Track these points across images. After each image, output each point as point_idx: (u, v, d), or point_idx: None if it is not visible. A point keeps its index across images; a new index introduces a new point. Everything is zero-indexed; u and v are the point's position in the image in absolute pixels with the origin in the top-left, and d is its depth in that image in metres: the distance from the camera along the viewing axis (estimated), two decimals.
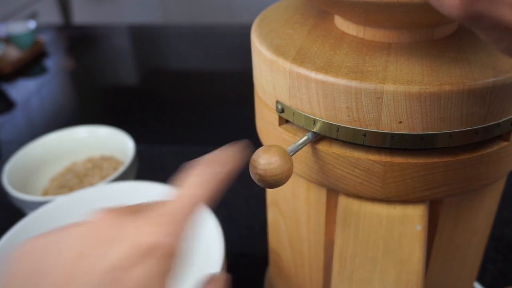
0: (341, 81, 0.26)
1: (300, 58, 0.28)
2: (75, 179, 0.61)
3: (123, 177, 0.55)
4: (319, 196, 0.32)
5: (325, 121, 0.28)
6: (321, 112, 0.28)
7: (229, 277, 0.24)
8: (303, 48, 0.29)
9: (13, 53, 1.10)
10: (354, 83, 0.26)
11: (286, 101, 0.30)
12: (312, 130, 0.29)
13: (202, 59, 1.14)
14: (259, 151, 0.26)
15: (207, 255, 0.42)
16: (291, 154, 0.27)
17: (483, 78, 0.25)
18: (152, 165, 0.72)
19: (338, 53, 0.29)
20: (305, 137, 0.29)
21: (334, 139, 0.29)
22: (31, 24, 1.12)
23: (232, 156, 0.24)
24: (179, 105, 0.92)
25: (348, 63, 0.27)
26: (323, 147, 0.29)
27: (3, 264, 0.20)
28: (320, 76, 0.26)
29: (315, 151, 0.30)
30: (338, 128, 0.28)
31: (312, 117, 0.28)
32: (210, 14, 2.06)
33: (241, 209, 0.62)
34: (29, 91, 0.99)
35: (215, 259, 0.39)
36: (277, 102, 0.30)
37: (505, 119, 0.27)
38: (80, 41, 1.26)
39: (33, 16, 1.24)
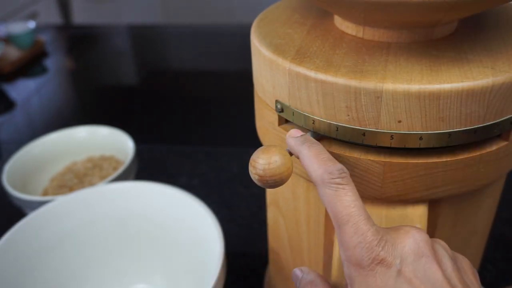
0: (340, 81, 0.26)
1: (299, 58, 0.28)
2: (75, 179, 0.61)
3: (123, 177, 0.55)
4: (319, 196, 0.32)
5: (325, 120, 0.28)
6: (320, 112, 0.28)
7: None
8: (302, 48, 0.29)
9: (13, 53, 1.10)
10: (353, 83, 0.26)
11: (286, 100, 0.30)
12: (312, 130, 0.29)
13: (202, 59, 1.14)
14: (259, 151, 0.26)
15: (207, 255, 0.42)
16: (291, 154, 0.27)
17: (482, 78, 0.25)
18: (152, 165, 0.72)
19: (338, 52, 0.29)
20: None
21: (333, 138, 0.29)
22: (31, 24, 1.12)
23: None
24: (179, 105, 0.92)
25: (347, 63, 0.27)
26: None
27: None
28: (320, 76, 0.27)
29: None
30: (337, 127, 0.28)
31: (312, 116, 0.28)
32: (210, 14, 2.06)
33: (241, 209, 0.62)
34: (29, 91, 0.99)
35: (215, 259, 0.39)
36: (277, 101, 0.30)
37: (504, 118, 0.27)
38: (80, 41, 1.26)
39: (33, 16, 1.24)
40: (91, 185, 0.59)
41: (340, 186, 0.24)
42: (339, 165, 0.25)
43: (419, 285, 0.22)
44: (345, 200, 0.23)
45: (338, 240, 0.24)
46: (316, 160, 0.25)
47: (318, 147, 0.26)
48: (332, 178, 0.24)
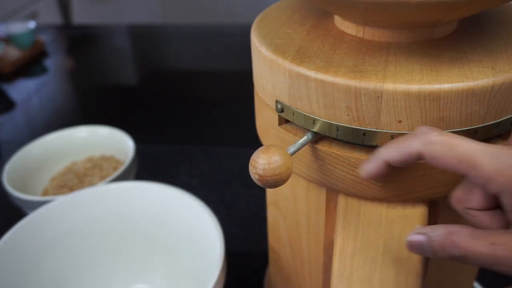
0: (340, 81, 0.26)
1: (299, 58, 0.28)
2: (75, 179, 0.61)
3: (123, 177, 0.55)
4: (319, 196, 0.32)
5: (325, 120, 0.28)
6: (320, 112, 0.28)
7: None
8: (302, 48, 0.29)
9: (13, 53, 1.10)
10: (353, 83, 0.26)
11: (286, 100, 0.30)
12: (312, 130, 0.29)
13: (202, 59, 1.14)
14: (259, 151, 0.26)
15: (207, 255, 0.42)
16: (291, 154, 0.27)
17: (482, 78, 0.25)
18: (152, 165, 0.72)
19: (338, 52, 0.29)
20: (305, 137, 0.29)
21: (333, 138, 0.29)
22: (31, 24, 1.12)
23: None
24: (179, 105, 0.92)
25: (347, 63, 0.27)
26: (322, 147, 0.29)
27: None
28: (320, 76, 0.27)
29: (315, 151, 0.30)
30: (337, 127, 0.28)
31: (312, 116, 0.28)
32: (210, 14, 2.06)
33: (241, 209, 0.62)
34: (29, 91, 0.99)
35: (215, 259, 0.39)
36: (277, 101, 0.30)
37: (504, 118, 0.27)
38: (80, 41, 1.26)
39: (33, 16, 1.24)
40: (91, 185, 0.59)
41: (444, 135, 0.23)
42: (423, 126, 0.25)
43: None
44: (458, 141, 0.23)
45: (478, 181, 0.23)
46: (407, 139, 0.25)
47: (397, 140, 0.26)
48: (430, 135, 0.24)
